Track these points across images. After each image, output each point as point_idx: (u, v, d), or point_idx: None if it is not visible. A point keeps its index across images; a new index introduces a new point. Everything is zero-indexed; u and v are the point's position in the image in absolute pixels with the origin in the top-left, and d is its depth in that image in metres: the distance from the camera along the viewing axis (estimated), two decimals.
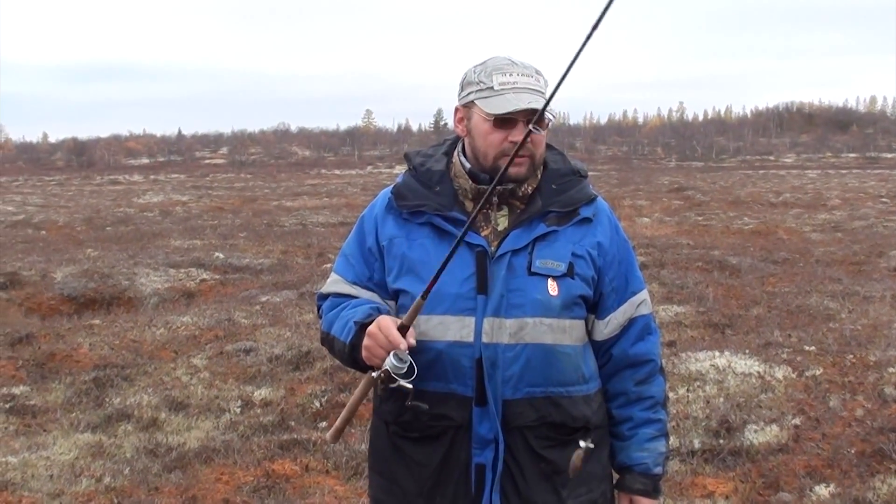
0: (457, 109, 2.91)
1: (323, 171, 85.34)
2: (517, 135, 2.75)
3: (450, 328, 2.75)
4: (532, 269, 2.78)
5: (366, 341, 2.68)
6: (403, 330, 2.65)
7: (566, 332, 2.83)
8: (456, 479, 2.82)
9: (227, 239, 22.25)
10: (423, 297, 2.66)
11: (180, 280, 15.87)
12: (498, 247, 2.79)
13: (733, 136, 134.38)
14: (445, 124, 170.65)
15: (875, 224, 25.96)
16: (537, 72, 2.82)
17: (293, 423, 7.91)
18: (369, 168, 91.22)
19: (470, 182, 2.87)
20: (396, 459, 2.91)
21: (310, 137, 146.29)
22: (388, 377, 2.64)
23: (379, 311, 2.79)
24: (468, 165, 2.88)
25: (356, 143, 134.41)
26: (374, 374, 2.67)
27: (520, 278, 2.77)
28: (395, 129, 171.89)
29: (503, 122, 2.76)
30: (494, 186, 2.75)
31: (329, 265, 17.16)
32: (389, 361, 2.61)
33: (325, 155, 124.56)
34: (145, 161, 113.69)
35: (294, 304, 12.80)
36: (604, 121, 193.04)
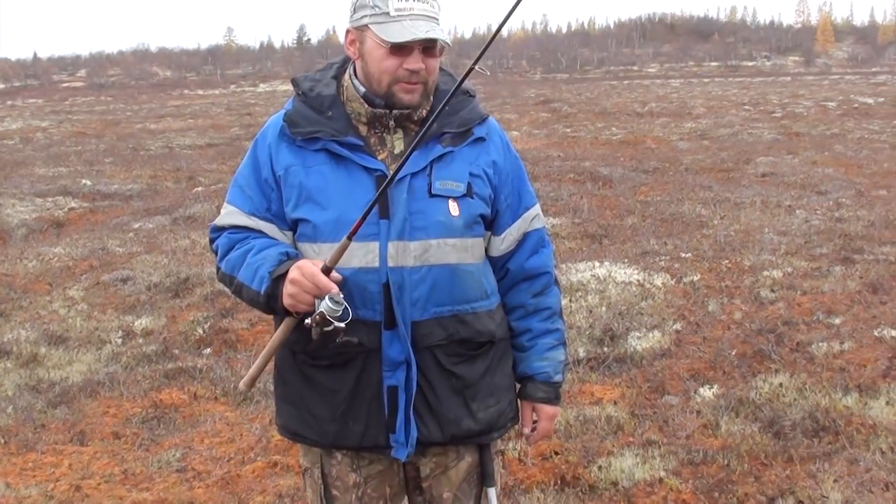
0: (348, 31, 2.83)
1: (186, 91, 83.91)
2: (412, 62, 2.71)
3: (354, 255, 2.69)
4: (433, 191, 2.76)
5: (290, 289, 2.62)
6: (327, 271, 2.61)
7: (469, 251, 2.84)
8: (369, 402, 2.82)
9: (92, 165, 21.73)
10: (349, 237, 2.61)
11: (48, 209, 15.45)
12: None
13: (597, 47, 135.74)
14: (308, 40, 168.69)
15: (740, 132, 26.59)
16: None
17: (177, 352, 7.81)
18: (233, 87, 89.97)
19: (365, 106, 2.81)
20: (307, 388, 2.89)
21: (171, 57, 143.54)
22: (322, 320, 2.58)
23: (288, 256, 2.74)
24: (362, 89, 2.82)
25: (218, 62, 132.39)
26: (307, 321, 2.60)
27: (421, 201, 2.75)
28: (258, 47, 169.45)
29: (399, 48, 2.70)
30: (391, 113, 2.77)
31: (200, 189, 16.91)
32: (325, 305, 2.55)
33: (186, 75, 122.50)
34: (0, 86, 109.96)
35: (168, 230, 12.61)
36: (468, 36, 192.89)
